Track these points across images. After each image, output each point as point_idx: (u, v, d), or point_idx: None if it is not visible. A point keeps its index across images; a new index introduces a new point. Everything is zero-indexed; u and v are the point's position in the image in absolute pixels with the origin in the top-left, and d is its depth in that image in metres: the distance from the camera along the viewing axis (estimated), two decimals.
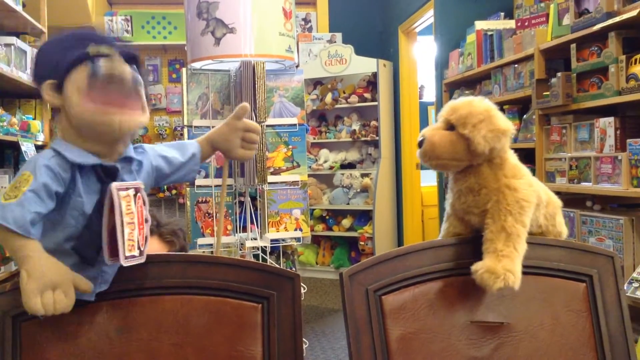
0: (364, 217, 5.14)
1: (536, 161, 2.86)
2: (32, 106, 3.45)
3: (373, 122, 5.13)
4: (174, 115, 5.37)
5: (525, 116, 3.10)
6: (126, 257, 0.90)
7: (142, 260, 0.94)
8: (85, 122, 0.89)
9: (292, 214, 2.77)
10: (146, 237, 0.96)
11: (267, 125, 2.70)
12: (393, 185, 5.17)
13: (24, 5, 3.15)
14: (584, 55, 2.54)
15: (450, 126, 1.08)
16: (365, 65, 5.08)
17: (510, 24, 3.38)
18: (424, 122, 5.44)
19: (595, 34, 2.42)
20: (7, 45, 2.96)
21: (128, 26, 5.06)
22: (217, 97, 2.83)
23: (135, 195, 0.91)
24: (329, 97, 5.23)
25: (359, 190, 5.15)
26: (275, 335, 1.01)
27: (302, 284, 1.17)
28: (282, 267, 2.61)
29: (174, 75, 5.38)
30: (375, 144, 5.15)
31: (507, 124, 1.07)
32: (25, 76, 3.08)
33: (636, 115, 2.39)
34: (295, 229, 2.78)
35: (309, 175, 4.68)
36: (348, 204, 5.18)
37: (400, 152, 5.17)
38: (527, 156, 2.76)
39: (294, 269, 2.88)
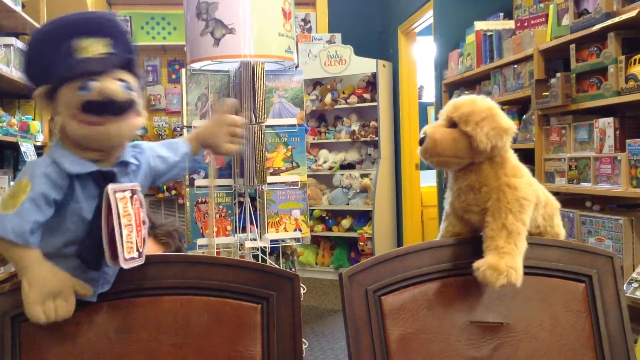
0: (364, 217, 5.14)
1: (535, 161, 2.86)
2: (31, 107, 3.45)
3: (372, 123, 5.13)
4: (173, 116, 5.37)
5: (524, 116, 3.10)
6: (126, 259, 0.90)
7: (142, 261, 0.94)
8: (81, 137, 0.89)
9: (291, 215, 2.77)
10: (144, 239, 0.96)
11: (267, 126, 2.70)
12: (392, 185, 5.17)
13: (23, 6, 3.15)
14: (583, 55, 2.54)
15: (452, 124, 1.08)
16: (365, 66, 5.08)
17: (510, 24, 3.38)
18: (423, 122, 5.42)
19: (594, 35, 2.42)
20: (7, 45, 2.96)
21: (127, 27, 5.06)
22: (216, 98, 2.83)
23: (131, 197, 0.91)
24: (328, 98, 5.23)
25: (358, 190, 5.15)
26: (275, 336, 1.01)
27: (301, 284, 1.17)
28: (281, 267, 2.61)
29: (174, 76, 5.38)
30: (375, 145, 5.15)
31: (509, 123, 1.07)
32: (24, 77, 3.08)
33: (635, 115, 2.40)
34: (295, 230, 2.78)
35: (309, 176, 4.68)
36: (347, 204, 5.19)
37: (399, 152, 5.17)
38: (526, 156, 2.75)
39: (293, 269, 2.88)
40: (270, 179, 2.73)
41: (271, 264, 2.62)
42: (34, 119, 3.32)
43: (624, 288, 2.03)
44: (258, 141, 2.57)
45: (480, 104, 1.08)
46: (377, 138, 5.06)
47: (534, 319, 1.08)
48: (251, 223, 2.75)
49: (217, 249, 2.75)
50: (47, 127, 3.52)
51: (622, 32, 2.31)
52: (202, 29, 2.63)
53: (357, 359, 0.99)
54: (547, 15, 2.94)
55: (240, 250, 2.75)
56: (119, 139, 0.90)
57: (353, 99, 5.16)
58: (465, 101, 1.09)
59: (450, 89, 4.03)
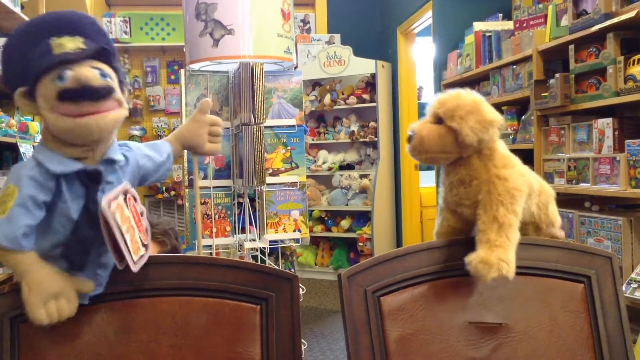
0: (363, 218, 5.14)
1: (535, 162, 2.86)
2: None
3: (372, 123, 5.13)
4: (172, 117, 5.37)
5: (523, 117, 3.10)
6: (135, 263, 0.92)
7: (148, 254, 0.96)
8: (62, 131, 0.87)
9: (290, 215, 2.77)
10: (146, 229, 0.97)
11: (266, 127, 2.69)
12: (392, 186, 5.17)
13: (22, 7, 3.15)
14: (582, 56, 2.54)
15: (438, 119, 1.08)
16: (364, 66, 5.08)
17: (509, 25, 3.38)
18: None
19: (593, 35, 2.42)
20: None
21: (127, 27, 5.06)
22: (215, 99, 2.83)
23: (125, 199, 0.91)
24: (327, 98, 5.23)
25: (357, 191, 5.15)
26: (274, 337, 1.01)
27: (300, 285, 1.17)
28: (280, 268, 2.61)
29: (173, 77, 5.38)
30: (374, 145, 5.16)
31: (494, 115, 1.07)
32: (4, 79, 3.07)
33: (634, 116, 2.40)
34: (294, 230, 2.77)
35: (308, 176, 4.68)
36: (347, 205, 5.19)
37: (399, 153, 5.17)
38: (525, 157, 2.74)
39: (292, 270, 2.88)
40: (269, 179, 2.73)
41: (270, 264, 2.62)
42: (32, 120, 3.32)
43: (623, 288, 2.03)
44: (257, 142, 2.57)
45: (465, 98, 1.08)
46: (376, 139, 5.06)
47: (532, 319, 1.08)
48: (250, 224, 2.75)
49: (216, 249, 2.75)
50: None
51: (621, 33, 2.31)
52: (201, 29, 2.63)
53: (356, 359, 0.99)
54: (546, 16, 2.94)
55: (239, 251, 2.75)
56: (99, 131, 0.87)
57: (352, 99, 5.16)
58: (451, 96, 1.10)
59: (449, 89, 4.02)
